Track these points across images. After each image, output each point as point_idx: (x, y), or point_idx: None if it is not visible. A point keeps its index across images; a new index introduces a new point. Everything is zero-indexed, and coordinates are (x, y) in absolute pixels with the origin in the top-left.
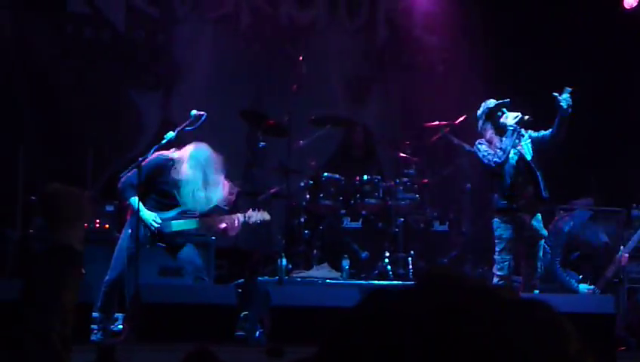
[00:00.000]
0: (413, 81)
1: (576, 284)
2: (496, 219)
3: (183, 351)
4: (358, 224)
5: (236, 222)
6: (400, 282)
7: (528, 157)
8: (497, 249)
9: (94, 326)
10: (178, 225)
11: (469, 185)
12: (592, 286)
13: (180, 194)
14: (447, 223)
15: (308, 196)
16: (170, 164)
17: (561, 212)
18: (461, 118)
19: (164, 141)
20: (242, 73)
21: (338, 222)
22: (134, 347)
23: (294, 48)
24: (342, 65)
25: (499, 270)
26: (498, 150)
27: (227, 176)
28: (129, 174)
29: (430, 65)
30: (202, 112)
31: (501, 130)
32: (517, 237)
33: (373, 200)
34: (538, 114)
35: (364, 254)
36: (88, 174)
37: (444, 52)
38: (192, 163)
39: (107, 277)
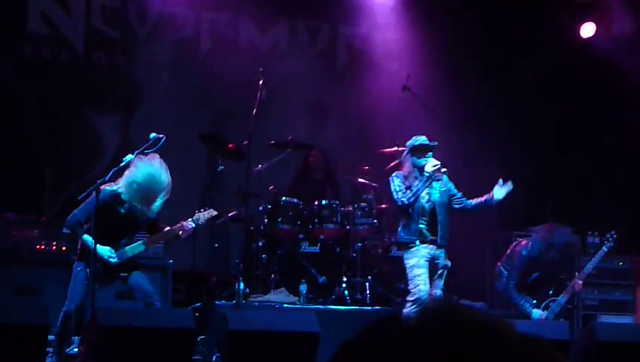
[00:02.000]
0: (372, 107)
1: (530, 309)
2: (401, 252)
3: None
4: (316, 248)
5: (186, 227)
6: (357, 307)
7: (437, 202)
8: (408, 279)
9: (49, 349)
10: (131, 249)
11: None
12: (545, 312)
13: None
14: None
15: (266, 220)
16: (116, 195)
17: (518, 238)
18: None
19: (122, 163)
20: (202, 96)
21: (296, 247)
22: None
23: (254, 72)
24: (302, 90)
25: (411, 296)
26: (408, 191)
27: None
28: (74, 212)
29: (390, 91)
30: (161, 135)
31: (418, 168)
32: (426, 267)
33: (331, 225)
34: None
35: (322, 279)
36: (46, 196)
37: (404, 79)
38: (127, 179)
39: (65, 308)
